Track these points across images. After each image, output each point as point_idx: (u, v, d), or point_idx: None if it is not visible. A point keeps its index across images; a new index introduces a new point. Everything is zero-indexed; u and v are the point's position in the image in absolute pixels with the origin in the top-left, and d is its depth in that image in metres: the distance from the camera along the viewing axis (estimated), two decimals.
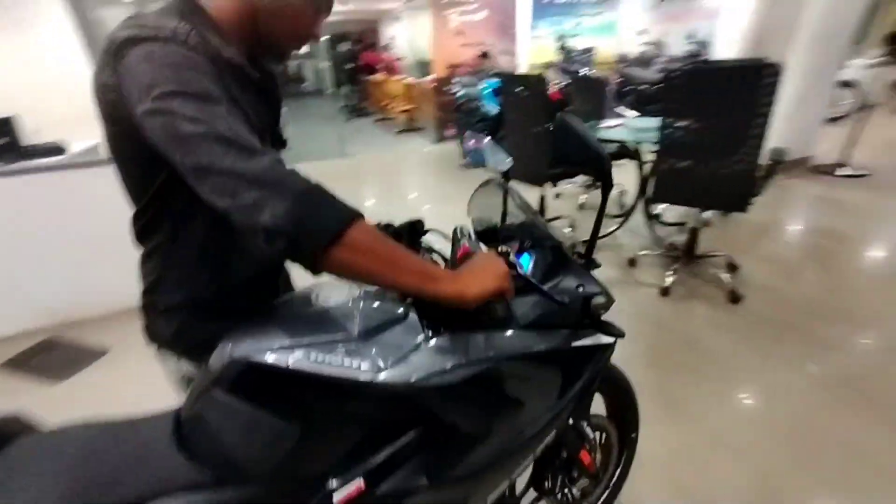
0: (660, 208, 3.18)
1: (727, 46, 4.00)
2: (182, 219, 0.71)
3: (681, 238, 3.00)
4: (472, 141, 1.13)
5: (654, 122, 2.95)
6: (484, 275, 0.61)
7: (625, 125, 2.94)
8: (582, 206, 3.73)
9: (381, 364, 0.68)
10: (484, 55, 4.13)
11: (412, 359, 0.70)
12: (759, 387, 1.79)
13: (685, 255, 2.48)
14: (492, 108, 4.70)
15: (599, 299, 0.81)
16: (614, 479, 1.30)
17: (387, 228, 1.04)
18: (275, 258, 0.59)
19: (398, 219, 1.02)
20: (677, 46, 7.05)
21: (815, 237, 3.04)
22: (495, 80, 4.65)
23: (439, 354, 0.72)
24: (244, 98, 0.67)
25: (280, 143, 0.86)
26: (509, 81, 2.82)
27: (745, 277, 2.43)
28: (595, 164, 0.75)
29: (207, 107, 0.56)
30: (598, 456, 1.18)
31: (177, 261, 0.75)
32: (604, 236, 3.08)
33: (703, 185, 2.06)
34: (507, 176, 1.12)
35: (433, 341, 0.73)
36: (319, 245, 0.54)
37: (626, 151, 3.12)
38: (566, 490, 1.13)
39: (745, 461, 1.48)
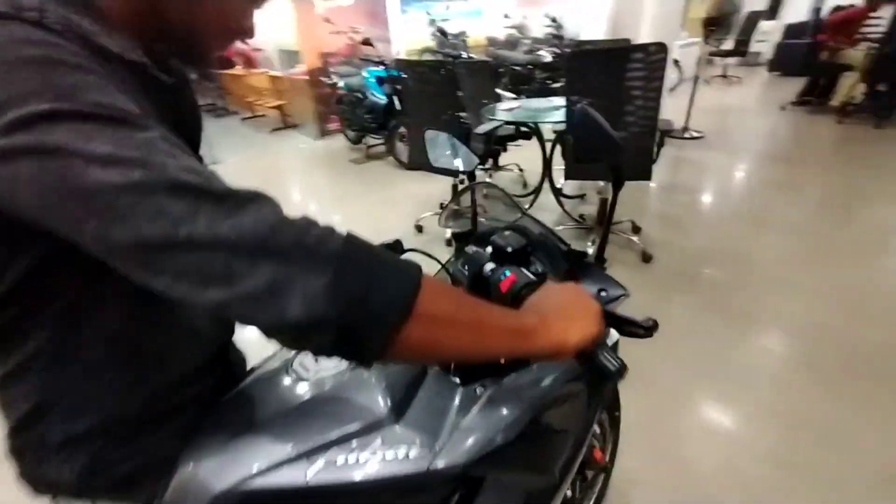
0: (561, 182, 3.36)
1: (589, 29, 4.38)
2: (74, 316, 0.45)
3: (586, 209, 3.22)
4: (434, 138, 0.98)
5: (549, 102, 3.08)
6: (579, 316, 0.47)
7: (522, 107, 3.01)
8: (486, 195, 3.78)
9: (435, 444, 0.52)
10: (366, 42, 3.85)
11: (464, 424, 0.56)
12: (682, 335, 1.99)
13: (598, 225, 2.65)
14: (379, 98, 4.47)
15: (624, 299, 0.75)
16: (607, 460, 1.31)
17: None
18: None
19: None
20: (537, 29, 7.58)
21: (685, 193, 3.52)
22: (379, 69, 4.42)
23: (491, 410, 0.58)
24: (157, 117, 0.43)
25: None
26: (408, 69, 2.66)
27: (647, 237, 2.70)
28: (613, 156, 0.67)
29: (129, 134, 0.33)
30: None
31: (72, 374, 0.48)
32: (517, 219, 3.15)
33: None
34: (472, 177, 1.01)
35: (481, 398, 0.58)
36: (387, 329, 0.36)
37: (524, 133, 3.22)
38: (580, 491, 1.09)
39: (689, 405, 1.65)
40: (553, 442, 0.68)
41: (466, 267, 0.78)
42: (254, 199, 0.35)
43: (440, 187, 3.57)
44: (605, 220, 0.74)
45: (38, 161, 0.31)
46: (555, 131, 2.91)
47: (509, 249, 0.61)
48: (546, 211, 3.32)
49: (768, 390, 1.68)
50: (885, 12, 4.89)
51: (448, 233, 2.94)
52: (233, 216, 0.33)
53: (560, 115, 2.70)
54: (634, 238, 2.61)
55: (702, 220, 3.05)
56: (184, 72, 0.57)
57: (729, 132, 5.10)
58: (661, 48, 1.91)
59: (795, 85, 5.95)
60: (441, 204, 3.40)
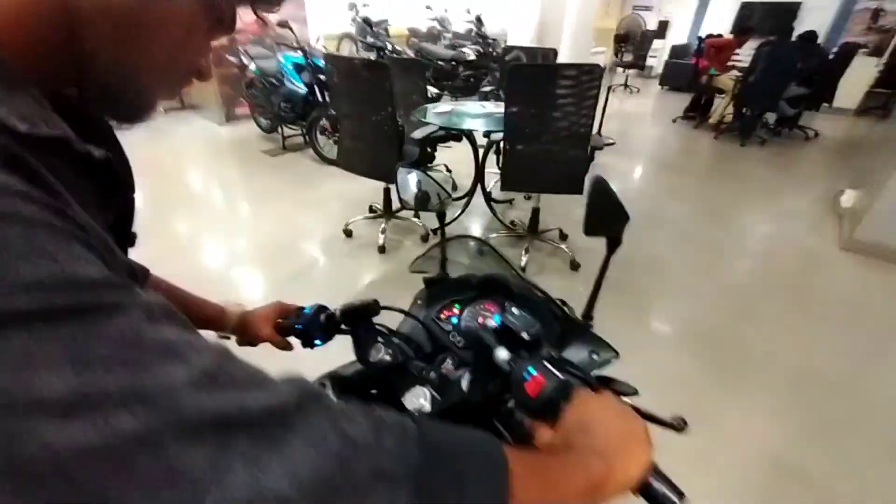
0: (490, 187, 3.41)
1: (515, 32, 4.49)
2: None
3: (515, 213, 3.32)
4: (410, 180, 0.89)
5: (482, 107, 3.08)
6: (633, 445, 0.42)
7: (455, 111, 2.97)
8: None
9: None
10: (282, 24, 3.48)
11: None
12: (613, 340, 2.14)
13: (530, 234, 2.73)
14: (298, 87, 4.11)
15: (614, 361, 0.75)
16: None
17: (318, 315, 0.74)
18: None
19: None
20: (457, 23, 7.60)
21: None
22: (297, 56, 4.05)
23: None
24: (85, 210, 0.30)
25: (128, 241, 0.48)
26: (338, 64, 2.46)
27: (574, 244, 2.86)
28: (621, 227, 0.65)
29: (96, 333, 0.21)
30: None
31: None
32: (450, 222, 3.13)
33: (547, 172, 2.27)
34: (442, 216, 0.93)
35: None
36: None
37: (454, 134, 3.18)
38: None
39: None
40: None
41: (464, 342, 0.70)
42: (300, 410, 0.25)
43: (369, 187, 3.39)
44: (597, 277, 0.72)
45: None
46: (486, 136, 2.92)
47: (525, 336, 0.54)
48: (477, 216, 3.36)
49: (675, 391, 1.86)
50: (751, 45, 5.73)
51: (381, 239, 2.82)
52: (280, 452, 0.22)
53: (492, 123, 2.72)
54: (562, 246, 2.75)
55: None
56: (108, 128, 0.42)
57: (632, 140, 5.63)
58: (596, 68, 2.00)
59: (683, 99, 6.75)
60: (370, 206, 3.25)
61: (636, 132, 6.14)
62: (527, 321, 0.57)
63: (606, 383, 0.71)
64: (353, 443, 0.25)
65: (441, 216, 0.91)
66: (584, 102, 2.09)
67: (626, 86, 8.57)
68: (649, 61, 9.99)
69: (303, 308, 0.76)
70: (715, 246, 3.06)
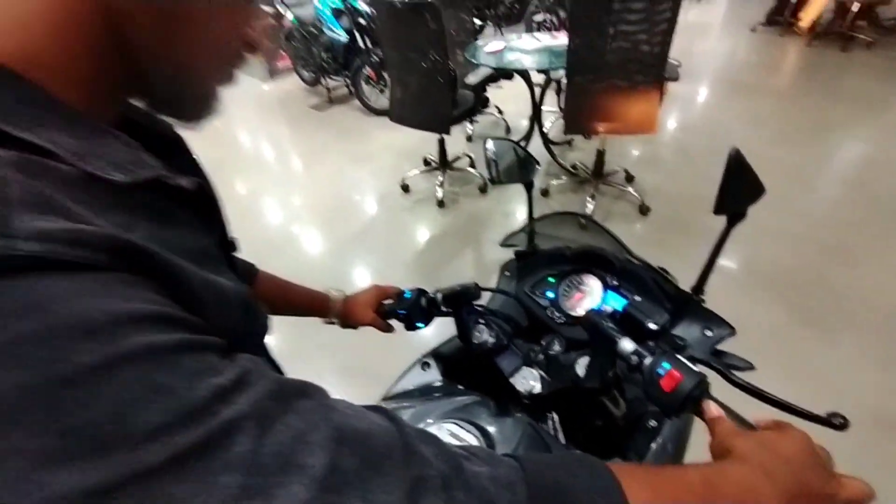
0: (547, 127, 3.21)
1: None
2: None
3: (576, 156, 3.13)
4: (497, 151, 0.84)
5: (537, 41, 2.82)
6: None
7: (509, 47, 2.74)
8: (470, 139, 3.58)
9: None
10: None
11: None
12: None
13: (594, 177, 2.58)
14: (338, 34, 3.96)
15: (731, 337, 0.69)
16: None
17: (419, 298, 0.74)
18: None
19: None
20: None
21: (669, 133, 3.48)
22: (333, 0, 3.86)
23: None
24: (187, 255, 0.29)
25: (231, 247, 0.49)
26: (381, 8, 2.31)
27: (641, 186, 2.68)
28: (756, 199, 0.59)
29: (218, 460, 0.21)
30: None
31: None
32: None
33: (616, 110, 2.08)
34: (530, 185, 0.88)
35: None
36: None
37: (506, 73, 2.96)
38: None
39: None
40: None
41: (564, 318, 0.69)
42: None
43: (421, 137, 3.31)
44: (712, 250, 0.66)
45: None
46: (543, 73, 2.69)
47: (653, 327, 0.51)
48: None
49: (764, 342, 1.77)
50: None
51: (439, 193, 2.79)
52: None
53: (551, 58, 2.49)
54: (629, 188, 2.58)
55: (688, 162, 3.05)
56: (188, 153, 0.42)
57: (702, 59, 4.99)
58: None
59: (763, 3, 5.79)
60: (425, 159, 3.18)
61: (706, 49, 5.41)
62: (652, 309, 0.54)
63: (719, 357, 0.68)
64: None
65: (529, 186, 0.86)
66: (657, 27, 1.84)
67: None
68: None
69: (403, 292, 0.77)
70: (803, 176, 2.73)
